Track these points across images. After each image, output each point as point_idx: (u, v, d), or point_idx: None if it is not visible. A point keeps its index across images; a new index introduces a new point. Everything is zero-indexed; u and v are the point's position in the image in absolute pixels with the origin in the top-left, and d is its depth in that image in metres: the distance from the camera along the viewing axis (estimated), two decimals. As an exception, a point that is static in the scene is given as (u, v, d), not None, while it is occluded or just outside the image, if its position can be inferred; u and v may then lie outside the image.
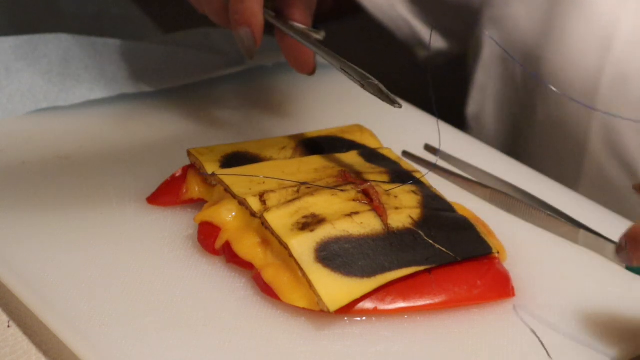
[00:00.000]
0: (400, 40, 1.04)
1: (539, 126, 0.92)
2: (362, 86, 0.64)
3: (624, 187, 0.88)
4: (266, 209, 0.62)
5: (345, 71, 0.65)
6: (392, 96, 0.63)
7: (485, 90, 0.97)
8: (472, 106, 0.99)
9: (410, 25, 1.02)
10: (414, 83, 0.78)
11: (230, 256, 0.62)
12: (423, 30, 1.01)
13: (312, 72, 0.75)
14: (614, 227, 0.64)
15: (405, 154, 0.75)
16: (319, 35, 0.73)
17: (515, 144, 0.96)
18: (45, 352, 0.58)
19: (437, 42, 1.02)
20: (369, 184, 0.64)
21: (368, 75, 0.64)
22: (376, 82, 0.64)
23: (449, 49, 1.03)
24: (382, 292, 0.58)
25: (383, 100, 0.63)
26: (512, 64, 0.93)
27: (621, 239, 0.55)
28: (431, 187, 0.67)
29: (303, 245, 0.59)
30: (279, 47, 0.75)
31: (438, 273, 0.60)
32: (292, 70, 0.85)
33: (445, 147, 0.74)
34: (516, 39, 0.90)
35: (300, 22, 0.73)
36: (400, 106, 0.62)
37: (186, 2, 0.75)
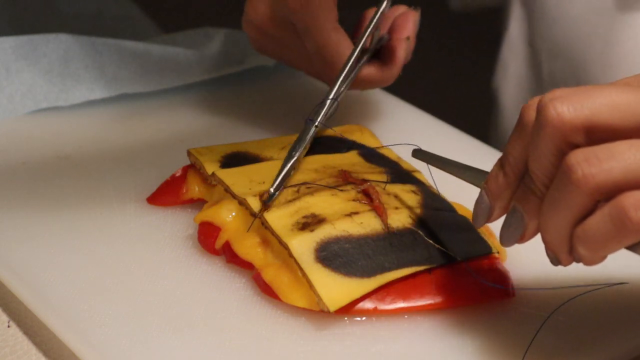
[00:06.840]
0: None
1: None
2: None
3: None
4: (266, 209, 0.62)
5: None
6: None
7: (507, 69, 0.93)
8: (495, 81, 0.95)
9: None
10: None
11: (230, 256, 0.62)
12: None
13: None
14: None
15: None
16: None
17: None
18: (45, 352, 0.58)
19: None
20: (369, 183, 0.64)
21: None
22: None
23: None
24: (382, 292, 0.58)
25: None
26: (540, 50, 0.89)
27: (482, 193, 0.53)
28: (431, 187, 0.67)
29: (303, 246, 0.59)
30: None
31: (438, 273, 0.60)
32: (292, 70, 0.85)
33: (439, 147, 0.72)
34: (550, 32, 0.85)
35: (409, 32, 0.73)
36: None
37: (186, 2, 0.74)
